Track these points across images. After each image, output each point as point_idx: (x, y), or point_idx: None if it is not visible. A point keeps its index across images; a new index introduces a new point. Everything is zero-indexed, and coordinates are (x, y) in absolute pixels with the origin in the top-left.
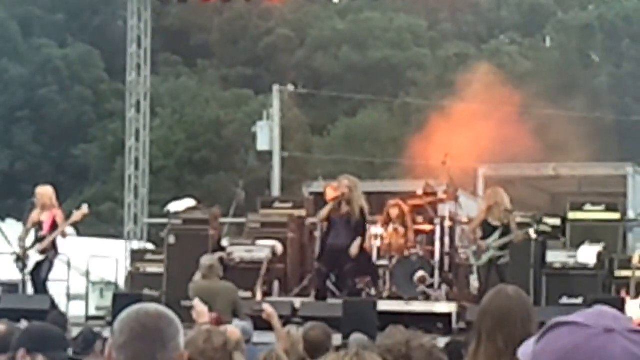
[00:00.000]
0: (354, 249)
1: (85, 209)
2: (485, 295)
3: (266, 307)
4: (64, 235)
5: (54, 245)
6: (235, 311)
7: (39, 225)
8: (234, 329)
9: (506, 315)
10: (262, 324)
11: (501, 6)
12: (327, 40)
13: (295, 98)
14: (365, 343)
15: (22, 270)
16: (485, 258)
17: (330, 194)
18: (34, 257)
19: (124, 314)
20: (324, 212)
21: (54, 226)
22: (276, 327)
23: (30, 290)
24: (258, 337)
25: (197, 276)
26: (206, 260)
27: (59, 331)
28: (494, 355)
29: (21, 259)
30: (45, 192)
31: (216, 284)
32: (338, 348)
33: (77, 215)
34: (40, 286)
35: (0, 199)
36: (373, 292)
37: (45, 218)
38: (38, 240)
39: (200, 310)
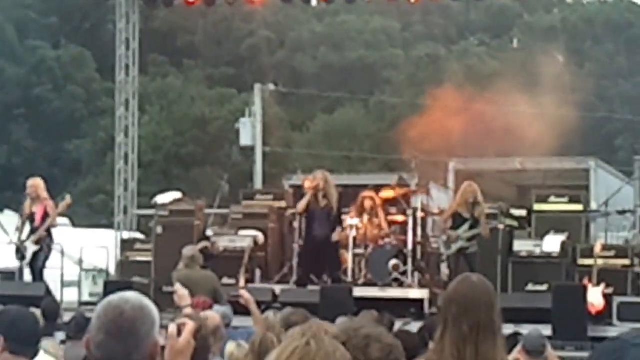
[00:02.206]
0: (335, 236)
1: (68, 199)
2: (451, 283)
3: (243, 293)
4: (53, 225)
5: (48, 234)
6: (216, 298)
7: (31, 216)
8: (214, 314)
9: (471, 302)
10: (242, 309)
11: (470, 9)
12: (305, 41)
13: (276, 96)
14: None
15: (21, 260)
16: (454, 248)
17: (308, 185)
18: (31, 247)
19: (101, 310)
20: (303, 202)
21: (45, 216)
22: (253, 312)
23: (27, 277)
24: (237, 321)
25: (180, 265)
26: (188, 251)
27: (31, 320)
28: (459, 340)
29: (20, 250)
30: (35, 183)
31: (197, 273)
32: None
33: (62, 206)
34: (38, 274)
35: None
36: (349, 279)
37: (37, 209)
38: (32, 231)
39: (182, 294)
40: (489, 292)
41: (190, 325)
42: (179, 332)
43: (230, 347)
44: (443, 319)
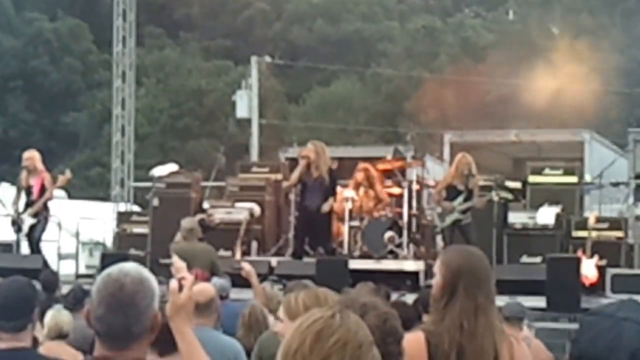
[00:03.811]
0: (326, 207)
1: (68, 174)
2: (452, 255)
3: (245, 265)
4: (50, 197)
5: (45, 206)
6: (214, 270)
7: (28, 188)
8: (209, 286)
9: (484, 274)
10: (240, 282)
11: None
12: (302, 13)
13: (272, 68)
14: None
15: (17, 232)
16: (449, 220)
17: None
18: (28, 220)
19: (101, 283)
20: (294, 174)
21: (42, 189)
22: (254, 285)
23: (24, 250)
24: (236, 293)
25: (178, 237)
26: (186, 223)
27: (23, 292)
28: (470, 312)
29: (16, 223)
30: (32, 155)
31: (195, 245)
32: None
33: (61, 180)
34: (35, 246)
35: None
36: (345, 251)
37: (34, 182)
38: (29, 204)
39: (179, 266)
40: (489, 264)
41: (190, 281)
42: (180, 288)
43: None
44: (450, 290)
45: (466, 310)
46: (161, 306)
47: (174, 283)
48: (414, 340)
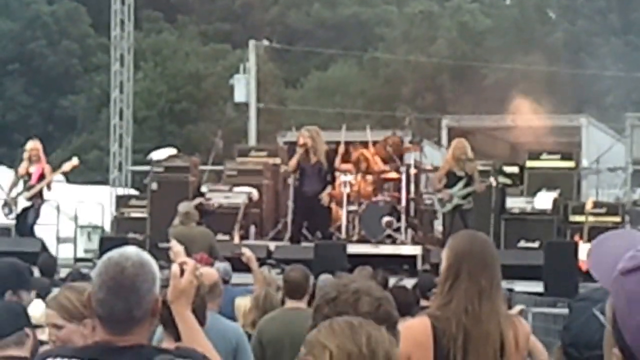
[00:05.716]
0: (325, 197)
1: (75, 161)
2: (457, 239)
3: (246, 251)
4: (49, 187)
5: (40, 194)
6: (212, 254)
7: (27, 176)
8: (212, 271)
9: (489, 258)
10: (240, 266)
11: None
12: None
13: (270, 52)
14: None
15: (7, 215)
16: (449, 206)
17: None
18: (22, 203)
19: (102, 267)
20: (293, 160)
21: (41, 177)
22: (254, 270)
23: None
24: (236, 278)
25: (176, 221)
26: (183, 207)
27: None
28: (474, 296)
29: (8, 205)
30: (37, 146)
31: (193, 229)
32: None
33: (67, 166)
34: (27, 231)
35: None
36: (343, 235)
37: (34, 170)
38: (26, 189)
39: (177, 250)
40: (495, 249)
41: (191, 265)
42: (182, 272)
43: (244, 301)
44: (454, 275)
45: (470, 294)
46: (166, 291)
47: (174, 267)
48: (419, 326)
